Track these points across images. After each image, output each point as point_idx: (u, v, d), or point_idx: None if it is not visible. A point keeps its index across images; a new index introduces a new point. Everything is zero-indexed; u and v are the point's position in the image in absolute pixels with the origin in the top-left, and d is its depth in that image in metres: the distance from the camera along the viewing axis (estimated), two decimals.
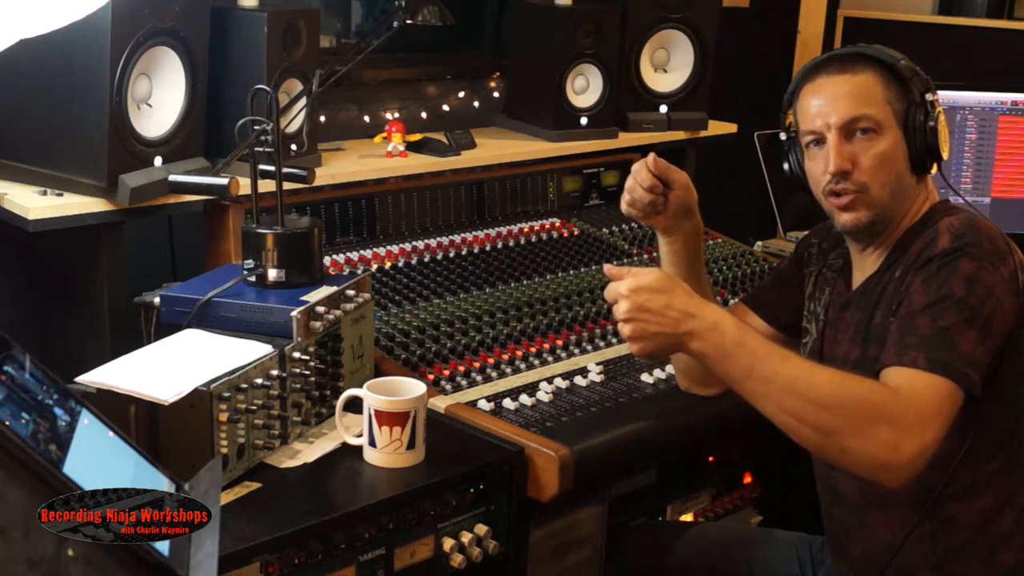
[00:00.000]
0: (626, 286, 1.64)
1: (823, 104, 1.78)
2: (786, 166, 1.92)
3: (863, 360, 1.76)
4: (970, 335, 1.60)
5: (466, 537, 1.78)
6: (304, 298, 1.84)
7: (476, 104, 3.05)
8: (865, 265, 1.84)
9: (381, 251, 2.46)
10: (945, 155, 1.79)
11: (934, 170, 1.82)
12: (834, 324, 1.88)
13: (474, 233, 2.64)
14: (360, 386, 1.78)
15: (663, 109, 3.03)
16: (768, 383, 1.58)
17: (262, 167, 1.95)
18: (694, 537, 2.10)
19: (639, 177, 1.93)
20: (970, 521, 1.71)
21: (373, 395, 1.75)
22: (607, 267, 1.70)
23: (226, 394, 1.61)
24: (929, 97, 1.77)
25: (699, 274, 2.03)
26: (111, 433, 1.34)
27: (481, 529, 1.80)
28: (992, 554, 1.71)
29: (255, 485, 1.67)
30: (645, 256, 2.71)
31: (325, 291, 1.88)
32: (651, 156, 1.94)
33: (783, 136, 1.91)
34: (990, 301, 1.62)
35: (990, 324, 1.62)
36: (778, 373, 1.57)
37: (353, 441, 1.80)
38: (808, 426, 1.56)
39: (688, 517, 2.31)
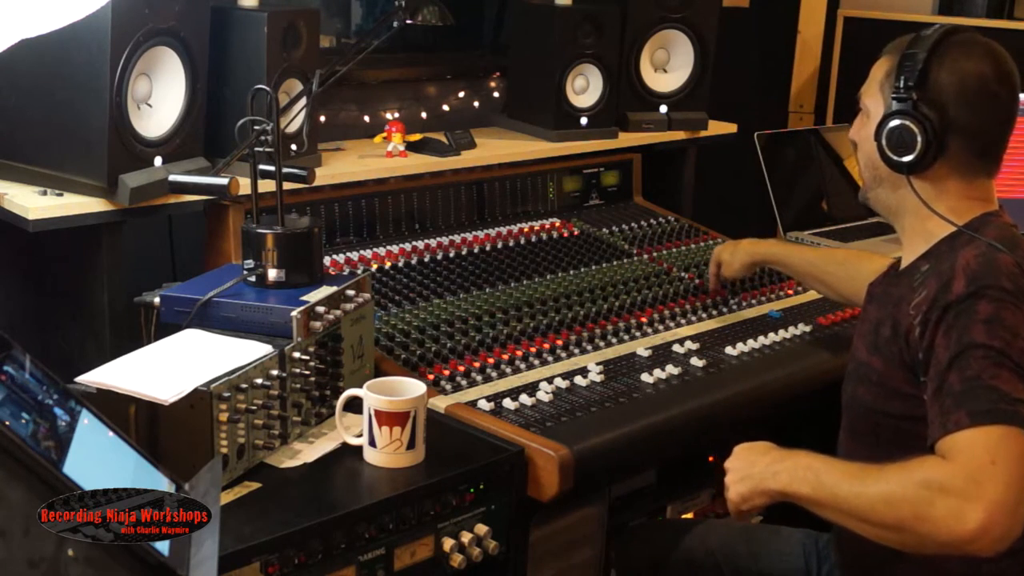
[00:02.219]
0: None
1: None
2: None
3: (867, 367, 1.78)
4: (1004, 375, 1.54)
5: (466, 537, 1.78)
6: (304, 298, 1.84)
7: (476, 104, 3.05)
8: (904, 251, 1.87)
9: (381, 251, 2.46)
10: (896, 159, 1.75)
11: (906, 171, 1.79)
12: (861, 315, 1.93)
13: (474, 233, 2.64)
14: (360, 386, 1.78)
15: (663, 109, 3.03)
16: (836, 510, 1.61)
17: (262, 167, 1.95)
18: (699, 533, 2.10)
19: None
20: None
21: (373, 395, 1.75)
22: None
23: (226, 394, 1.61)
24: (908, 97, 1.73)
25: (801, 257, 2.40)
26: (111, 433, 1.34)
27: (481, 529, 1.80)
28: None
29: (255, 485, 1.67)
30: (645, 256, 2.71)
31: (325, 291, 1.88)
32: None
33: None
34: (1016, 342, 1.57)
35: (1021, 365, 1.56)
36: (835, 496, 1.60)
37: (353, 441, 1.80)
38: (886, 531, 1.56)
39: (688, 517, 2.31)
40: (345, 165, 2.49)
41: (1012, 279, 1.63)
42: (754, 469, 1.70)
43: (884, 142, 1.76)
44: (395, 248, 2.49)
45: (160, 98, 2.09)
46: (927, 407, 1.61)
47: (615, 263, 2.64)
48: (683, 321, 2.38)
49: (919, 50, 1.74)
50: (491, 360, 2.09)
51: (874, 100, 1.81)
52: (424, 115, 2.91)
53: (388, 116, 2.79)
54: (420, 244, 2.53)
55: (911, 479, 1.51)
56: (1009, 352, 1.56)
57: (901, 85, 1.74)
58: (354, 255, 2.41)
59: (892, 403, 1.73)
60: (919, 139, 1.72)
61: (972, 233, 1.72)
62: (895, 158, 1.75)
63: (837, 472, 1.62)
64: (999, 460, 1.47)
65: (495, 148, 2.79)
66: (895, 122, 1.74)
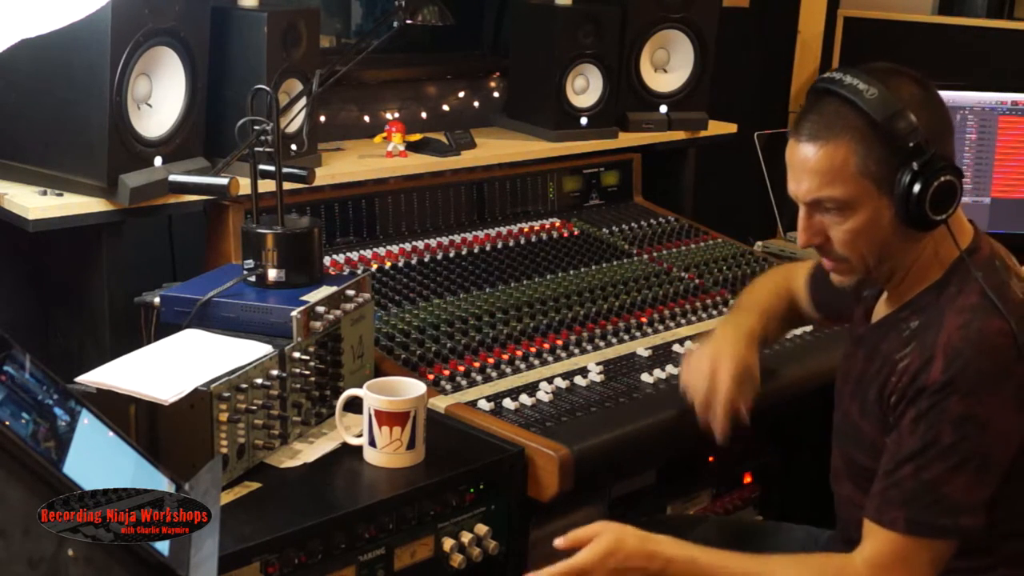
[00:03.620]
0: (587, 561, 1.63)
1: (792, 170, 1.64)
2: None
3: (857, 430, 1.73)
4: (960, 480, 1.54)
5: (466, 537, 1.78)
6: (304, 298, 1.84)
7: (476, 104, 3.05)
8: (881, 304, 1.76)
9: (381, 251, 2.46)
10: (939, 217, 1.58)
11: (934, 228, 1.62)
12: (848, 357, 1.82)
13: (474, 233, 2.64)
14: (360, 386, 1.78)
15: (663, 109, 3.03)
16: None
17: (262, 167, 1.95)
18: (699, 532, 2.10)
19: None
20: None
21: (373, 395, 1.75)
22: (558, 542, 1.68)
23: (226, 394, 1.61)
24: (923, 155, 1.55)
25: (773, 322, 2.06)
26: (111, 433, 1.34)
27: (481, 529, 1.80)
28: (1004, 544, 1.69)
29: (255, 485, 1.67)
30: (645, 256, 2.71)
31: (325, 291, 1.88)
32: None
33: None
34: (986, 436, 1.54)
35: (988, 459, 1.55)
36: None
37: (353, 441, 1.80)
38: None
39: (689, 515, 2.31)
40: (345, 165, 2.49)
41: (996, 354, 1.54)
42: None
43: (918, 210, 1.56)
44: (395, 248, 2.49)
45: (160, 98, 2.09)
46: (877, 475, 1.63)
47: (615, 263, 2.64)
48: (683, 321, 2.38)
49: (874, 107, 1.55)
50: (491, 360, 2.09)
51: (849, 186, 1.58)
52: (424, 115, 2.91)
53: (388, 116, 2.79)
54: (420, 244, 2.53)
55: None
56: (975, 451, 1.54)
57: (901, 146, 1.55)
58: (354, 255, 2.41)
59: (872, 463, 1.68)
60: (956, 184, 1.58)
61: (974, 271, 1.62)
62: (935, 218, 1.58)
63: (750, 557, 1.66)
64: (918, 571, 1.57)
65: (495, 148, 2.79)
66: (923, 183, 1.55)
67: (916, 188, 1.55)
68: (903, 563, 1.57)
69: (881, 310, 1.76)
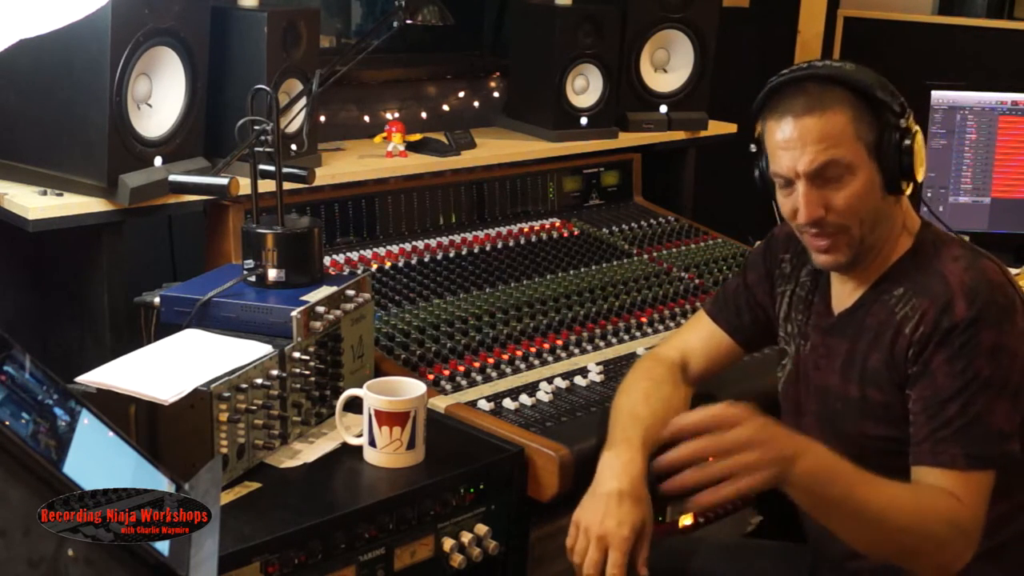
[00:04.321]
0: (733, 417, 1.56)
1: (790, 148, 1.68)
2: (756, 173, 1.85)
3: (865, 402, 1.73)
4: (1001, 408, 1.60)
5: (466, 537, 1.78)
6: (304, 298, 1.84)
7: (476, 104, 3.05)
8: (846, 290, 1.79)
9: (381, 251, 2.46)
10: (920, 176, 1.70)
11: (909, 190, 1.73)
12: (817, 349, 1.82)
13: (474, 233, 2.64)
14: (360, 386, 1.78)
15: (663, 109, 3.03)
16: (859, 515, 1.58)
17: (262, 167, 1.95)
18: (682, 552, 2.08)
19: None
20: None
21: (373, 395, 1.75)
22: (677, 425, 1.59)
23: (226, 394, 1.61)
24: (903, 121, 1.68)
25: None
26: (111, 433, 1.34)
27: (481, 529, 1.80)
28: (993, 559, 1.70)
29: (255, 485, 1.67)
30: (645, 256, 2.71)
31: (325, 291, 1.88)
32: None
33: (753, 148, 1.83)
34: (1016, 363, 1.62)
35: (1020, 386, 1.62)
36: (868, 503, 1.56)
37: (353, 441, 1.80)
38: (894, 551, 1.61)
39: (688, 518, 2.31)
40: (345, 165, 2.49)
41: (1002, 290, 1.65)
42: (777, 443, 1.54)
43: (907, 168, 1.68)
44: (395, 248, 2.49)
45: (160, 98, 2.09)
46: (912, 422, 1.64)
47: (615, 263, 2.64)
48: (683, 321, 2.38)
49: (857, 79, 1.68)
50: (491, 360, 2.09)
51: (851, 149, 1.67)
52: (424, 115, 2.91)
53: (388, 116, 2.79)
54: (420, 244, 2.53)
55: (937, 515, 1.57)
56: (1010, 378, 1.61)
57: (885, 111, 1.67)
58: (354, 255, 2.41)
59: (891, 428, 1.71)
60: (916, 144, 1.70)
61: (948, 233, 1.75)
62: (907, 179, 1.70)
63: (856, 477, 1.59)
64: (982, 505, 1.60)
65: (495, 148, 2.79)
66: (904, 144, 1.68)
67: (904, 144, 1.67)
68: (977, 496, 1.59)
69: (847, 296, 1.79)
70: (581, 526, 1.71)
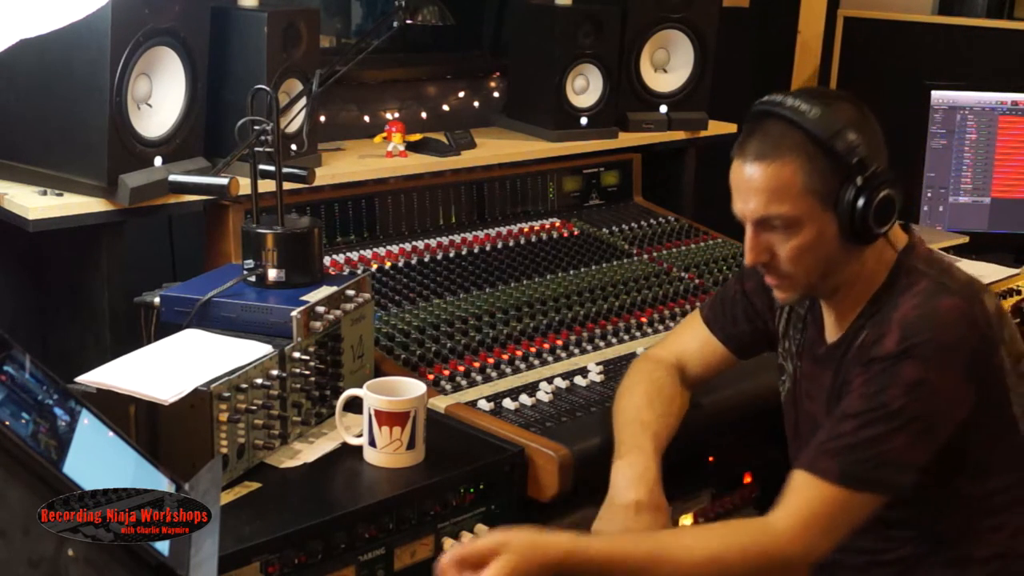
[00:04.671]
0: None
1: (739, 191, 1.66)
2: None
3: None
4: (900, 440, 1.57)
5: (466, 537, 1.78)
6: (304, 298, 1.84)
7: (476, 104, 3.05)
8: (832, 320, 1.76)
9: (381, 251, 2.46)
10: (884, 229, 1.63)
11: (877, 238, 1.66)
12: (809, 377, 1.82)
13: (474, 233, 2.64)
14: (360, 386, 1.78)
15: (663, 109, 3.03)
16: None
17: (262, 167, 1.95)
18: None
19: None
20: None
21: (373, 395, 1.75)
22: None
23: (226, 394, 1.61)
24: (870, 169, 1.59)
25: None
26: (111, 433, 1.34)
27: (481, 529, 1.80)
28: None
29: (255, 485, 1.67)
30: (645, 256, 2.71)
31: (325, 291, 1.88)
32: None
33: None
34: (935, 401, 1.58)
35: (933, 424, 1.59)
36: (659, 551, 1.56)
37: (353, 441, 1.80)
38: None
39: (688, 517, 2.31)
40: (345, 165, 2.49)
41: (947, 329, 1.59)
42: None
43: (863, 224, 1.61)
44: (395, 248, 2.49)
45: (160, 98, 2.09)
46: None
47: (615, 263, 2.64)
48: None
49: (817, 127, 1.58)
50: (491, 360, 2.09)
51: (796, 203, 1.61)
52: (424, 115, 2.91)
53: (388, 116, 2.79)
54: (420, 244, 2.53)
55: (747, 550, 1.57)
56: (921, 415, 1.58)
57: (844, 163, 1.59)
58: (354, 255, 2.41)
59: None
60: (895, 197, 1.63)
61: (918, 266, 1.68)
62: (878, 230, 1.63)
63: (659, 532, 1.64)
64: (840, 525, 1.58)
65: (495, 148, 2.79)
66: (867, 197, 1.59)
67: (860, 202, 1.60)
68: (828, 515, 1.57)
69: (834, 328, 1.77)
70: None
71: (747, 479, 2.40)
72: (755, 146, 1.63)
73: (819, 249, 1.64)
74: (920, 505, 1.67)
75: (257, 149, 1.93)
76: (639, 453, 1.79)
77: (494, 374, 2.06)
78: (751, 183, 1.63)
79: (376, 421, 1.74)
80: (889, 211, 1.63)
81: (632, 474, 1.76)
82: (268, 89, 1.95)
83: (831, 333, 1.77)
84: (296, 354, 1.76)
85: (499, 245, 2.63)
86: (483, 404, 1.94)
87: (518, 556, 1.47)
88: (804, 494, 1.59)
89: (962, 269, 1.74)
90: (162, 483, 1.35)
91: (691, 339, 2.00)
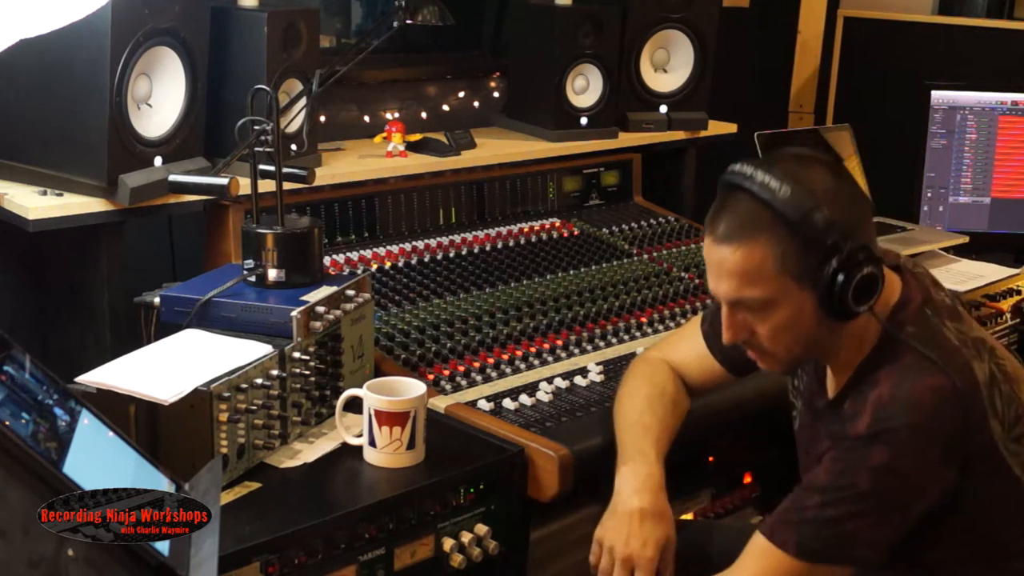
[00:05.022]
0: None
1: (710, 269, 1.61)
2: None
3: None
4: (865, 521, 1.54)
5: (466, 537, 1.78)
6: (304, 298, 1.84)
7: (476, 104, 3.05)
8: (831, 375, 1.71)
9: (381, 251, 2.46)
10: (866, 306, 1.55)
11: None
12: (808, 427, 1.78)
13: (474, 233, 2.64)
14: (360, 386, 1.78)
15: (663, 109, 3.03)
16: None
17: (262, 167, 1.95)
18: (696, 536, 2.09)
19: None
20: None
21: (373, 395, 1.75)
22: None
23: (226, 394, 1.61)
24: (841, 251, 1.51)
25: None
26: (111, 433, 1.34)
27: (481, 529, 1.80)
28: None
29: (255, 485, 1.67)
30: (645, 256, 2.71)
31: (325, 291, 1.88)
32: None
33: None
34: (905, 487, 1.54)
35: (901, 508, 1.55)
36: None
37: (353, 441, 1.80)
38: None
39: (688, 517, 2.31)
40: (345, 165, 2.49)
41: (928, 410, 1.52)
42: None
43: (841, 304, 1.54)
44: (395, 248, 2.49)
45: (160, 98, 2.09)
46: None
47: (615, 263, 2.64)
48: (683, 321, 2.38)
49: (788, 208, 1.51)
50: (491, 360, 2.09)
51: (769, 285, 1.55)
52: (424, 115, 2.91)
53: (388, 116, 2.79)
54: (420, 244, 2.53)
55: None
56: (889, 500, 1.54)
57: (819, 243, 1.51)
58: (354, 255, 2.41)
59: None
60: (877, 273, 1.55)
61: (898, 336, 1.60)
62: (859, 309, 1.55)
63: None
64: None
65: (495, 148, 2.79)
66: (844, 278, 1.52)
67: (838, 284, 1.53)
68: None
69: (833, 384, 1.72)
70: (605, 545, 1.74)
71: (747, 479, 2.40)
72: (725, 226, 1.56)
73: (798, 327, 1.59)
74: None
75: (257, 149, 1.93)
76: (642, 459, 1.78)
77: (494, 374, 2.06)
78: (722, 266, 1.57)
79: (376, 421, 1.74)
80: (870, 289, 1.55)
81: (636, 482, 1.76)
82: (268, 89, 1.95)
83: (831, 387, 1.72)
84: (296, 354, 1.76)
85: (499, 245, 2.63)
86: (483, 404, 1.95)
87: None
88: (761, 562, 1.59)
89: (962, 327, 1.63)
90: (162, 483, 1.34)
91: (690, 350, 1.96)
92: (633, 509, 1.72)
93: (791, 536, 1.57)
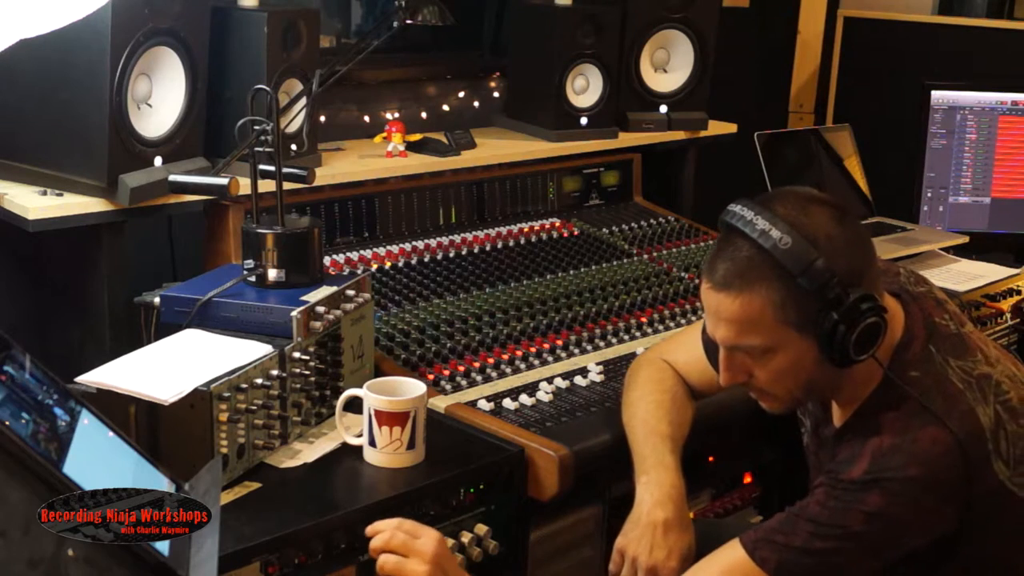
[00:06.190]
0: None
1: (708, 316, 1.60)
2: None
3: None
4: (854, 555, 1.53)
5: (466, 537, 1.78)
6: (304, 298, 1.84)
7: (476, 104, 3.05)
8: (835, 407, 1.71)
9: (381, 251, 2.46)
10: (865, 356, 1.53)
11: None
12: (816, 454, 1.78)
13: (474, 233, 2.64)
14: (360, 386, 1.78)
15: (663, 109, 3.03)
16: None
17: (262, 167, 1.95)
18: (696, 535, 2.09)
19: None
20: None
21: (373, 395, 1.75)
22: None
23: (226, 394, 1.61)
24: (843, 303, 1.49)
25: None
26: (111, 433, 1.34)
27: (481, 529, 1.80)
28: None
29: (255, 485, 1.67)
30: (645, 256, 2.71)
31: (325, 291, 1.88)
32: None
33: None
34: (898, 530, 1.52)
35: (892, 547, 1.54)
36: None
37: (353, 441, 1.80)
38: None
39: (688, 516, 2.31)
40: (345, 165, 2.49)
41: (927, 462, 1.51)
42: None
43: (843, 353, 1.52)
44: (395, 248, 2.49)
45: (160, 98, 2.09)
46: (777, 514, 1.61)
47: (615, 263, 2.64)
48: (683, 321, 2.38)
49: (788, 259, 1.48)
50: (491, 360, 2.09)
51: (768, 333, 1.54)
52: (424, 115, 2.91)
53: (388, 116, 2.79)
54: (420, 244, 2.53)
55: None
56: (879, 542, 1.53)
57: (820, 294, 1.49)
58: (354, 255, 2.41)
59: None
60: (880, 322, 1.53)
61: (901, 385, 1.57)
62: (858, 357, 1.53)
63: None
64: None
65: (495, 148, 2.79)
66: (846, 329, 1.50)
67: (839, 334, 1.50)
68: None
69: (839, 414, 1.70)
70: (628, 555, 1.74)
71: (747, 479, 2.40)
72: (723, 273, 1.54)
73: (798, 372, 1.58)
74: None
75: (257, 149, 1.93)
76: (664, 470, 1.79)
77: (494, 374, 2.06)
78: (720, 312, 1.55)
79: (376, 421, 1.74)
80: (873, 338, 1.52)
81: (660, 492, 1.76)
82: (268, 89, 1.95)
83: (836, 418, 1.70)
84: (296, 354, 1.76)
85: (499, 245, 2.63)
86: (483, 404, 1.95)
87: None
88: (732, 573, 1.58)
89: (966, 363, 1.60)
90: (162, 483, 1.34)
91: (691, 357, 1.94)
92: (657, 520, 1.73)
93: (773, 556, 1.55)
